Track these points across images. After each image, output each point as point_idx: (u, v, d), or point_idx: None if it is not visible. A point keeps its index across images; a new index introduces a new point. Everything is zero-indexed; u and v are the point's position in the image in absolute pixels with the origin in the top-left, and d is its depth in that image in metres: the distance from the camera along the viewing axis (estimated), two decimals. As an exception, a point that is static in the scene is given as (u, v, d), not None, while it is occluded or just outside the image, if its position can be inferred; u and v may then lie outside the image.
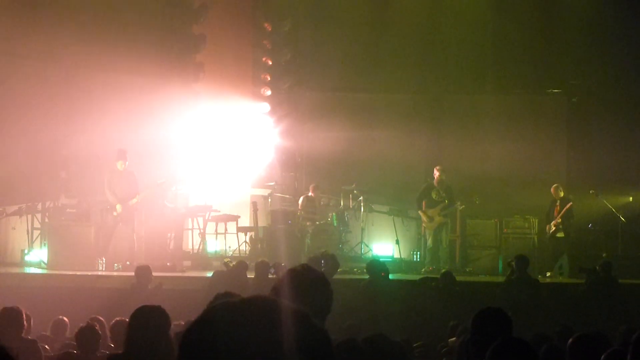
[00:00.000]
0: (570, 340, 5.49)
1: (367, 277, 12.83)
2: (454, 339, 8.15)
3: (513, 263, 12.99)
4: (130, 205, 15.14)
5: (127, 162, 15.21)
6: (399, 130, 19.35)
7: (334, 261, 12.59)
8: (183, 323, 8.07)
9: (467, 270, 16.66)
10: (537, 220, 17.10)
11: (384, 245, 17.93)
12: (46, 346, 7.76)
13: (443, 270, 13.81)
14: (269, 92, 19.52)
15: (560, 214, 16.38)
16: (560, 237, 16.45)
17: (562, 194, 16.63)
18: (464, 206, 16.93)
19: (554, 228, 16.45)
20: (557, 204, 16.56)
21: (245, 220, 17.71)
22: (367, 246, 17.69)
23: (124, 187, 15.15)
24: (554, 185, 16.81)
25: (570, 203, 16.43)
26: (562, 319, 10.16)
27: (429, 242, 16.83)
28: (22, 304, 7.69)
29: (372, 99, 19.83)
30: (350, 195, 17.93)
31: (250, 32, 19.59)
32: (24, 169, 16.53)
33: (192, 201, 17.94)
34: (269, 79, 19.50)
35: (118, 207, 15.00)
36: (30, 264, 15.41)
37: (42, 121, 16.77)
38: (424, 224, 17.03)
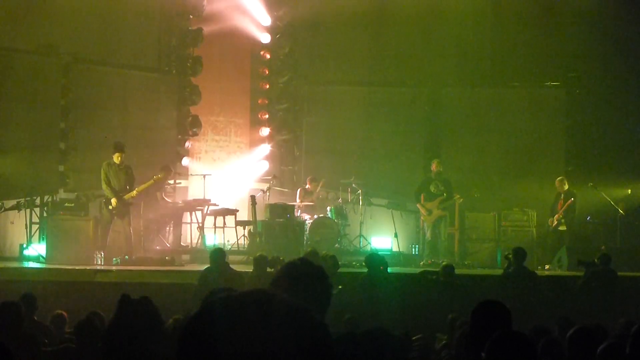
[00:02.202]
0: (569, 332, 5.49)
1: (365, 270, 12.81)
2: (445, 337, 8.16)
3: (510, 256, 12.98)
4: (126, 199, 15.08)
5: (124, 155, 15.15)
6: (398, 124, 19.35)
7: (334, 262, 12.52)
8: (182, 317, 8.08)
9: (466, 263, 16.67)
10: (535, 213, 17.12)
11: (383, 238, 17.93)
12: (45, 340, 7.76)
13: (444, 263, 13.74)
14: (267, 86, 19.52)
15: (563, 208, 16.38)
16: (562, 230, 16.46)
17: (566, 187, 16.63)
18: (462, 199, 16.93)
19: (556, 222, 16.46)
20: (562, 197, 16.57)
21: (244, 214, 17.71)
22: (366, 239, 17.70)
23: (120, 181, 15.12)
24: (559, 178, 16.82)
25: (572, 198, 16.43)
26: (561, 312, 10.16)
27: (428, 235, 16.84)
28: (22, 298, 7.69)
29: (370, 92, 19.81)
30: (349, 189, 17.94)
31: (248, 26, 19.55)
32: (22, 163, 16.52)
33: (190, 195, 17.95)
34: (267, 72, 19.49)
35: (113, 200, 14.96)
36: (29, 259, 15.39)
37: (41, 115, 16.76)
38: (422, 217, 17.04)
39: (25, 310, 7.38)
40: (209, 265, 12.06)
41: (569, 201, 16.39)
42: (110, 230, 15.19)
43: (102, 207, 15.26)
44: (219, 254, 11.97)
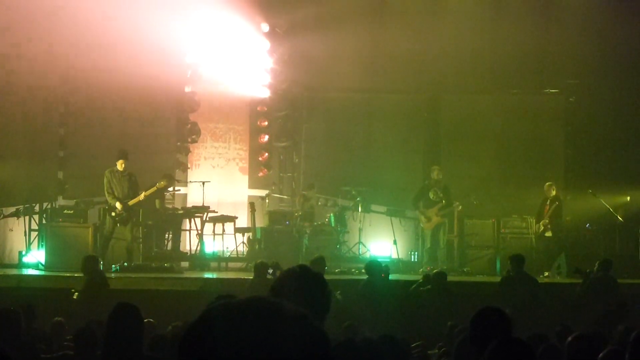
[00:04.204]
0: (568, 339, 5.49)
1: (365, 277, 12.81)
2: (435, 351, 8.17)
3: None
4: (129, 206, 15.07)
5: (127, 162, 15.14)
6: (397, 130, 19.35)
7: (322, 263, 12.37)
8: (181, 324, 8.07)
9: (465, 270, 16.65)
10: (534, 220, 17.11)
11: (382, 245, 17.92)
12: (43, 347, 7.75)
13: (434, 271, 13.69)
14: (267, 93, 19.52)
15: (548, 214, 16.41)
16: (548, 237, 16.46)
17: (553, 193, 16.62)
18: (461, 207, 16.91)
19: (542, 228, 16.47)
20: (547, 203, 16.57)
21: (243, 221, 17.70)
22: (365, 246, 17.68)
23: (124, 188, 15.09)
24: (547, 184, 16.82)
25: (557, 203, 16.44)
26: (560, 319, 10.16)
27: (427, 242, 16.83)
28: (20, 305, 7.69)
29: (369, 98, 19.81)
30: (348, 196, 17.94)
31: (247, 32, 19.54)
32: (21, 170, 16.53)
33: (189, 202, 17.94)
34: (267, 79, 19.49)
35: (118, 204, 14.93)
36: (28, 266, 15.39)
37: (40, 122, 16.77)
38: (422, 224, 17.03)
39: (25, 320, 7.35)
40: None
41: (553, 206, 16.40)
42: (111, 238, 15.17)
43: (105, 215, 15.23)
44: (91, 262, 12.60)
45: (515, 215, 17.39)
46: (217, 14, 18.24)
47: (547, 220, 16.39)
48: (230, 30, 18.54)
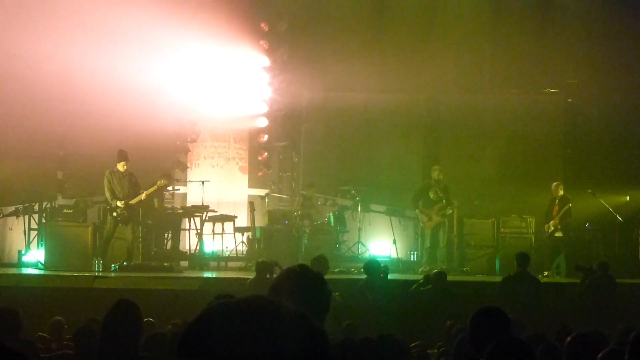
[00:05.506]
0: (568, 339, 5.49)
1: (364, 276, 12.81)
2: (435, 351, 8.17)
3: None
4: (131, 205, 15.06)
5: (128, 163, 15.15)
6: (396, 130, 19.34)
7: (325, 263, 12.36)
8: (180, 322, 8.08)
9: (465, 269, 16.66)
10: (534, 220, 17.11)
11: (381, 244, 17.93)
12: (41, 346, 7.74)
13: (435, 271, 13.70)
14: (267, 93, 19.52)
15: (559, 215, 16.38)
16: (558, 237, 16.45)
17: (561, 193, 16.61)
18: (456, 202, 16.86)
19: (552, 228, 16.45)
20: (556, 202, 16.56)
21: (243, 221, 17.70)
22: (364, 246, 17.69)
23: (124, 188, 15.10)
24: (555, 183, 16.81)
25: (569, 205, 16.43)
26: (559, 319, 10.16)
27: (427, 241, 16.83)
28: (19, 304, 7.68)
29: (369, 98, 19.79)
30: (348, 195, 17.94)
31: (246, 32, 19.54)
32: (21, 169, 16.52)
33: (189, 201, 17.94)
34: (267, 78, 19.48)
35: (120, 203, 14.92)
36: (28, 265, 15.39)
37: (39, 122, 16.76)
38: (422, 223, 17.03)
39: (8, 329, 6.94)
40: None
41: (566, 207, 16.39)
42: (112, 238, 15.15)
43: (106, 215, 15.21)
44: None
45: (515, 215, 17.40)
46: (216, 13, 18.24)
47: (557, 221, 16.37)
48: (229, 30, 18.52)
